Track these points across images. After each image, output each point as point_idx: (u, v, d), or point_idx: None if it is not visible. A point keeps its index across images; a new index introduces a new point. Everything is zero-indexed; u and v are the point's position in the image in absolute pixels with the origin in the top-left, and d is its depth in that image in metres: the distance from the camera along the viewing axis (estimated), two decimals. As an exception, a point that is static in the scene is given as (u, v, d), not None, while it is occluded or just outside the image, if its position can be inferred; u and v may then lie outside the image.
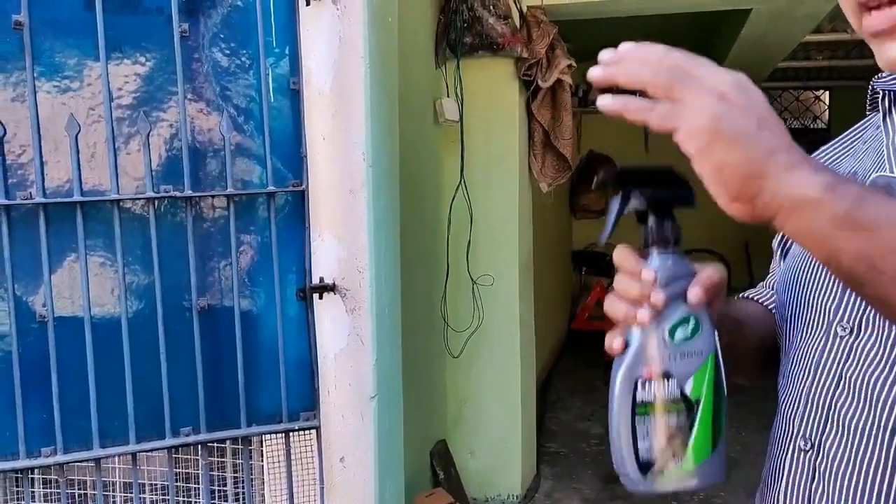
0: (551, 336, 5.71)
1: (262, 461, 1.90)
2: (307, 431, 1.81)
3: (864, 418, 0.65)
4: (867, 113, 0.81)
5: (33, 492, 1.87)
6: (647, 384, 0.65)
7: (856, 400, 0.66)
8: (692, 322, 0.65)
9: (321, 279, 1.82)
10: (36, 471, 1.82)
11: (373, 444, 1.87)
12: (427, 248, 3.13)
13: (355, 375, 1.86)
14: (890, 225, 0.52)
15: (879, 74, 0.75)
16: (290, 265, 1.78)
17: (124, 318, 1.64)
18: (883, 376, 0.63)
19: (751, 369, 0.88)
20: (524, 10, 3.38)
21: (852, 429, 0.66)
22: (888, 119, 0.73)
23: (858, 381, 0.66)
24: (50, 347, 1.59)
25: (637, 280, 0.65)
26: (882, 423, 0.63)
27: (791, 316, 0.78)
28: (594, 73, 0.57)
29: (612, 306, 0.67)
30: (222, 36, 1.72)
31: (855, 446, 0.65)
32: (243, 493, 1.81)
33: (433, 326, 3.25)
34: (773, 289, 0.91)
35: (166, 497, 1.80)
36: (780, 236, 0.86)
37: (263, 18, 1.70)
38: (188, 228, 1.67)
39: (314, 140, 1.79)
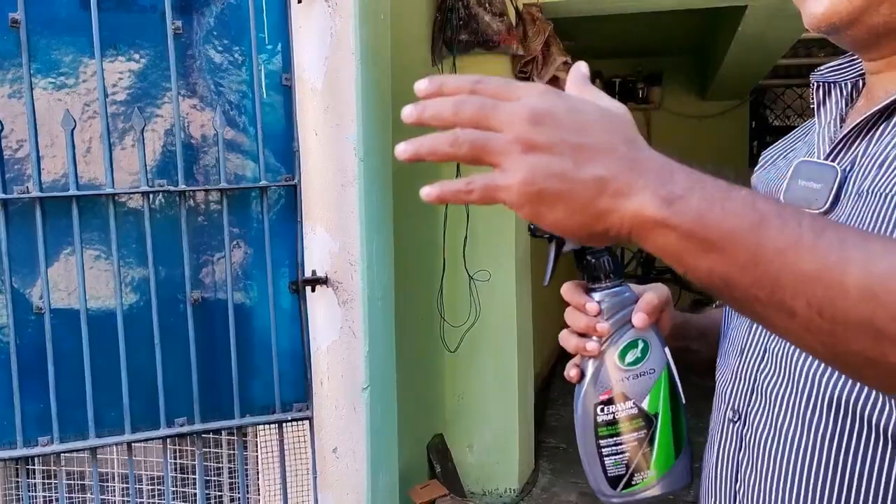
0: (554, 334, 5.71)
1: (256, 452, 1.93)
2: (300, 422, 1.84)
3: (784, 389, 0.69)
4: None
5: (33, 483, 1.90)
6: (605, 407, 0.70)
7: (778, 372, 0.70)
8: (641, 344, 0.71)
9: (313, 272, 1.84)
10: (35, 462, 1.85)
11: (365, 435, 1.90)
12: (423, 243, 3.16)
13: (348, 367, 1.88)
14: (735, 242, 0.49)
15: (818, 68, 0.79)
16: (282, 258, 1.81)
17: (119, 311, 1.67)
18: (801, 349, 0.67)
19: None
20: (520, 7, 3.40)
21: (774, 398, 0.70)
22: (821, 109, 0.77)
23: (780, 355, 0.69)
24: (47, 339, 1.63)
25: (583, 313, 0.71)
26: (799, 392, 0.67)
27: None
28: (406, 114, 0.54)
29: (565, 340, 0.74)
30: (215, 33, 1.75)
31: (775, 415, 0.69)
32: (237, 484, 1.84)
33: (430, 321, 3.27)
34: None
35: (161, 487, 1.83)
36: None
37: (256, 15, 1.73)
38: (182, 222, 1.70)
39: (306, 135, 1.82)
